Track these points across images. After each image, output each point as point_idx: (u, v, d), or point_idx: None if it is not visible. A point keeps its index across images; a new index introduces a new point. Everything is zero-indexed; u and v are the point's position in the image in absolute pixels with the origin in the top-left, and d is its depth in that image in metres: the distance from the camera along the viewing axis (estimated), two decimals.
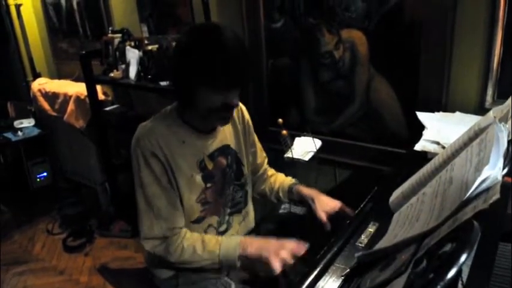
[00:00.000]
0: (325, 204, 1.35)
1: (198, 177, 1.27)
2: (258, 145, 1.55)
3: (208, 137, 1.30)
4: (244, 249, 1.19)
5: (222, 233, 1.37)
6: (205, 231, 1.32)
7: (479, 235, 0.54)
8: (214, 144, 1.32)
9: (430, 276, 0.54)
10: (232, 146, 1.38)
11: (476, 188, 0.62)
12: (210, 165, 1.31)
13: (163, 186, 1.21)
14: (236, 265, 1.20)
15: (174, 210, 1.23)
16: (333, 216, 1.32)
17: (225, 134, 1.36)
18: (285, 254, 1.12)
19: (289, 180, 1.53)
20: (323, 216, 1.32)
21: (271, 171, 1.60)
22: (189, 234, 1.25)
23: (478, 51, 1.45)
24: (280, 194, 1.50)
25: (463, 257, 0.50)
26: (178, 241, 1.22)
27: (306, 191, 1.44)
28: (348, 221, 1.15)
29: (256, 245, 1.19)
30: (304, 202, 1.43)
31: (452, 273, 0.49)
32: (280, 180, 1.55)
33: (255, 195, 1.59)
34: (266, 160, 1.59)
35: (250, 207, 1.50)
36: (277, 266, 1.10)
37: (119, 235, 2.98)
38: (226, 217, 1.40)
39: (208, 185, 1.30)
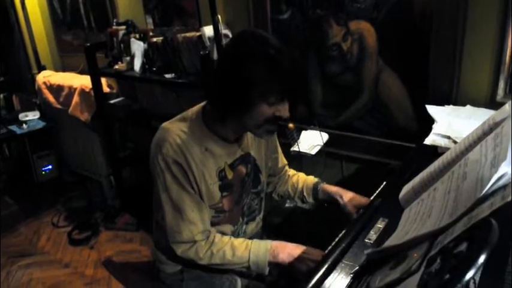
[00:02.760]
0: (354, 200, 1.34)
1: (215, 186, 1.25)
2: (280, 151, 1.52)
3: (231, 145, 1.27)
4: (275, 257, 1.19)
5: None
6: None
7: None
8: (237, 153, 1.29)
9: (445, 277, 0.51)
10: (253, 153, 1.35)
11: (493, 184, 0.60)
12: (230, 175, 1.28)
13: (188, 191, 1.19)
14: (265, 271, 1.20)
15: (202, 213, 1.22)
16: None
17: (247, 142, 1.33)
18: (312, 264, 1.12)
19: (312, 179, 1.50)
20: (352, 211, 1.31)
21: (291, 171, 1.58)
22: (217, 238, 1.24)
23: (489, 43, 1.41)
24: (305, 194, 1.47)
25: (482, 257, 0.48)
26: (207, 247, 1.21)
27: (333, 188, 1.42)
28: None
29: (287, 253, 1.19)
30: (331, 200, 1.41)
31: (470, 274, 0.47)
32: (303, 179, 1.52)
33: (275, 196, 1.57)
34: (287, 164, 1.57)
35: (262, 213, 1.49)
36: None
37: (124, 228, 2.98)
38: (244, 226, 1.39)
39: (225, 193, 1.28)
